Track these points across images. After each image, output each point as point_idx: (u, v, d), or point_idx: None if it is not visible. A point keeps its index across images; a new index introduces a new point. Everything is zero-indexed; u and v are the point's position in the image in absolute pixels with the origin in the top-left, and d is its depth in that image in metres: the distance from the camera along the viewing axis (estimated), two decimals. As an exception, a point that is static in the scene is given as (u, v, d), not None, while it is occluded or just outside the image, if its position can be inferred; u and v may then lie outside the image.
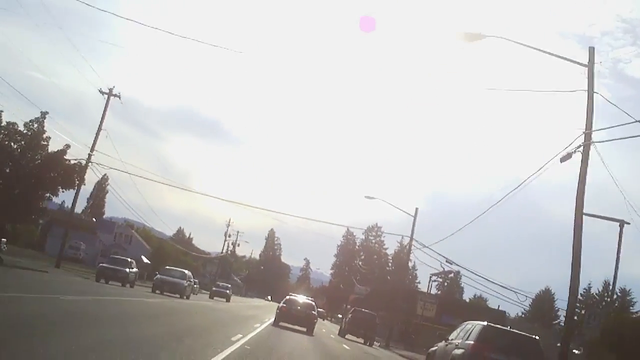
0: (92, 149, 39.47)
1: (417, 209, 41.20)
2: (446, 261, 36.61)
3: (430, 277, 58.48)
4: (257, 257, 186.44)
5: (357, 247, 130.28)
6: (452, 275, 72.92)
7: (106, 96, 40.48)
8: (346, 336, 38.53)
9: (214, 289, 58.75)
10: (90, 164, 38.77)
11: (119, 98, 40.54)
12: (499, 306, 74.92)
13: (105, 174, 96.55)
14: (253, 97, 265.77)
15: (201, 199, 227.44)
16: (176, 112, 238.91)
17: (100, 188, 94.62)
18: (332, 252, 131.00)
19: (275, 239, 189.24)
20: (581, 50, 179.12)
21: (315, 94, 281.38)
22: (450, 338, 17.74)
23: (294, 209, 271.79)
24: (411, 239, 40.06)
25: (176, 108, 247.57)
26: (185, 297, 37.49)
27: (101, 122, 40.26)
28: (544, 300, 75.10)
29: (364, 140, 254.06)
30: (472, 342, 15.24)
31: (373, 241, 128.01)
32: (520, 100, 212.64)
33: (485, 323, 16.03)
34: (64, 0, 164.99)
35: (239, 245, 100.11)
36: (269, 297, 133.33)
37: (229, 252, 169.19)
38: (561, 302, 68.82)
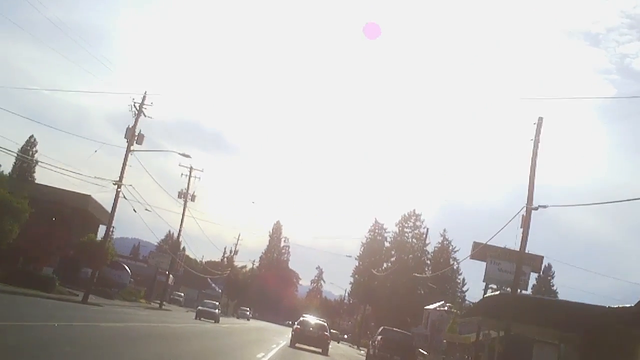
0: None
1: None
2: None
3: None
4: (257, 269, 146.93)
5: (387, 243, 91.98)
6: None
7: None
8: None
9: None
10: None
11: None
12: None
13: (32, 136, 62.89)
14: (255, 108, 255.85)
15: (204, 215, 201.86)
16: (180, 125, 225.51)
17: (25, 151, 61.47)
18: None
19: (283, 239, 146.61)
20: (587, 47, 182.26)
21: (322, 102, 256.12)
22: None
23: (302, 225, 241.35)
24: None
25: (179, 121, 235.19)
26: None
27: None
28: None
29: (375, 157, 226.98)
30: None
31: (409, 234, 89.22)
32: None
33: None
34: (63, 14, 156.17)
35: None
36: (246, 311, 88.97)
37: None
38: None
